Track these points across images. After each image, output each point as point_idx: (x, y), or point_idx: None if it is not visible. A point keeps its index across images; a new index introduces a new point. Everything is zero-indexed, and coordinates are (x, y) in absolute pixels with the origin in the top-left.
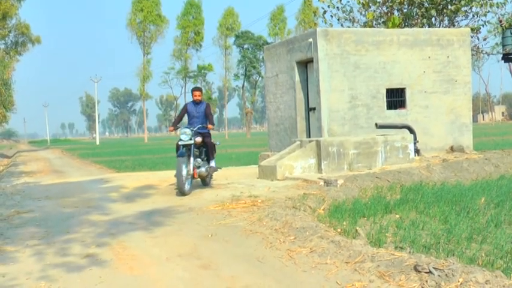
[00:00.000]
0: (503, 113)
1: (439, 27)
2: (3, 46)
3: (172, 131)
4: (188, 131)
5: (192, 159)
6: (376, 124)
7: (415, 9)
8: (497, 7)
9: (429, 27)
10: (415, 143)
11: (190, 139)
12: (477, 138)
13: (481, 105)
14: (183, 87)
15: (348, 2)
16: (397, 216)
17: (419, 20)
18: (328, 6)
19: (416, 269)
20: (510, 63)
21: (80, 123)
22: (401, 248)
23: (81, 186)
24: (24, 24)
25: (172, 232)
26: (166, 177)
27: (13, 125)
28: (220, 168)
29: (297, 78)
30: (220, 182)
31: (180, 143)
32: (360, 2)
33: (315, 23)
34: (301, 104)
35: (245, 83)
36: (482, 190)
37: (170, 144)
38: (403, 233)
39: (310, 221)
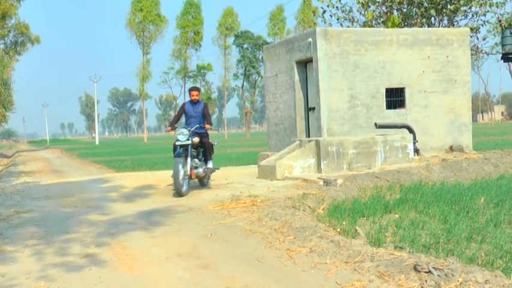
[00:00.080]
0: (502, 112)
1: (439, 27)
2: (2, 46)
3: (170, 131)
4: (185, 131)
5: (189, 159)
6: (375, 124)
7: (414, 9)
8: (497, 7)
9: (428, 27)
10: (414, 143)
11: (188, 139)
12: (476, 138)
13: (480, 105)
14: (183, 87)
15: (348, 1)
16: (397, 216)
17: (418, 20)
18: (328, 6)
19: (415, 268)
20: (509, 63)
21: (80, 123)
22: (401, 247)
23: (81, 186)
24: (23, 24)
25: (171, 232)
26: (165, 177)
27: (12, 124)
28: (218, 169)
29: (297, 78)
30: (220, 182)
31: (177, 143)
32: (359, 1)
33: (315, 23)
34: (300, 103)
35: (244, 83)
36: (481, 190)
37: (169, 144)
38: (403, 232)
39: (309, 221)
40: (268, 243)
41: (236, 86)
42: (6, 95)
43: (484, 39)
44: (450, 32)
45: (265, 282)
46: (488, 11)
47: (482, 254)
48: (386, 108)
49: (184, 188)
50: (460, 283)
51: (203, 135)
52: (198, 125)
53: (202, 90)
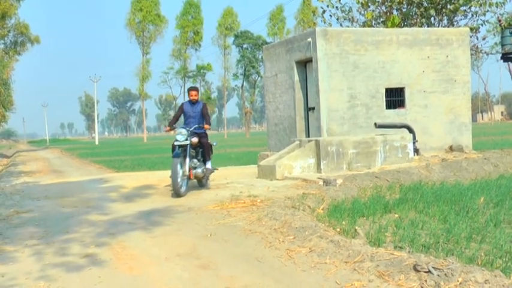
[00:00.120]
0: (502, 112)
1: (438, 26)
2: (2, 46)
3: (168, 131)
4: (184, 131)
5: (188, 160)
6: (375, 124)
7: (414, 9)
8: (497, 6)
9: (428, 26)
10: (414, 143)
11: (186, 139)
12: (476, 138)
13: (480, 104)
14: (182, 87)
15: (347, 1)
16: (396, 215)
17: (418, 20)
18: (328, 6)
19: (415, 268)
20: (509, 63)
21: (79, 123)
22: (401, 247)
23: (81, 186)
24: (23, 24)
25: (171, 232)
26: (165, 177)
27: (12, 124)
28: (217, 169)
29: (296, 77)
30: (220, 182)
31: (175, 143)
32: (359, 1)
33: (314, 23)
34: (300, 103)
35: (244, 83)
36: (481, 190)
37: (169, 144)
38: (403, 232)
39: (309, 221)
40: (268, 243)
41: (236, 86)
42: (6, 95)
43: (483, 39)
44: (450, 31)
45: (265, 282)
46: (487, 11)
47: (482, 254)
48: (386, 108)
49: (183, 188)
50: (460, 283)
51: (202, 135)
52: (196, 125)
53: (202, 90)
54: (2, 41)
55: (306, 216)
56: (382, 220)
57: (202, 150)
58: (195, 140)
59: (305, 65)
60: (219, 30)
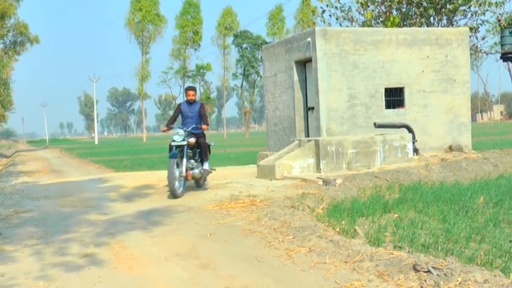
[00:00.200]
0: (501, 112)
1: (438, 26)
2: (1, 46)
3: (165, 131)
4: (181, 131)
5: (185, 160)
6: (374, 123)
7: (413, 9)
8: (496, 6)
9: (427, 26)
10: (413, 143)
11: (183, 140)
12: (476, 138)
13: (479, 104)
14: (182, 87)
15: (347, 1)
16: (396, 215)
17: (417, 20)
18: (327, 6)
19: (415, 268)
20: (509, 63)
21: (79, 123)
22: (400, 247)
23: (80, 186)
24: (22, 24)
25: (171, 231)
26: (164, 176)
27: (12, 124)
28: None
29: (296, 77)
30: (219, 182)
31: (172, 143)
32: (358, 1)
33: (314, 23)
34: (299, 103)
35: (244, 83)
36: (481, 189)
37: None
38: (402, 232)
39: (309, 221)
40: (268, 243)
41: (235, 85)
42: (5, 95)
43: (483, 38)
44: (449, 31)
45: (265, 281)
46: (487, 11)
47: (482, 254)
48: (386, 108)
49: (180, 189)
50: (459, 283)
51: (199, 136)
52: (194, 125)
53: (202, 90)
54: (2, 41)
55: (305, 216)
56: (382, 220)
57: (200, 151)
58: (192, 140)
59: (304, 64)
60: (219, 30)
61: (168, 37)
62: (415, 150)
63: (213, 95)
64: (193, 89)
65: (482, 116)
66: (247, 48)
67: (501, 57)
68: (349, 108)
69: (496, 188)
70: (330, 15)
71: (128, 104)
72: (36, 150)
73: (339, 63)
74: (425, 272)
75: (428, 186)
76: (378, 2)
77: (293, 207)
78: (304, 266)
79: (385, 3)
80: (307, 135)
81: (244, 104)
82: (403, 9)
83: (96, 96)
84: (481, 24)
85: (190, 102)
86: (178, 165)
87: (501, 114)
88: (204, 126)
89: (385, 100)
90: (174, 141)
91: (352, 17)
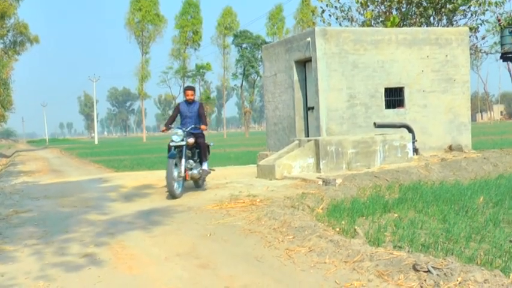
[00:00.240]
0: (501, 112)
1: (438, 26)
2: (1, 46)
3: (164, 131)
4: (180, 131)
5: (183, 161)
6: (374, 123)
7: (413, 8)
8: (496, 6)
9: (427, 26)
10: (413, 142)
11: (182, 140)
12: (476, 138)
13: (479, 104)
14: (182, 87)
15: (346, 1)
16: (396, 215)
17: (417, 19)
18: (327, 6)
19: (415, 268)
20: (509, 62)
21: (79, 123)
22: (400, 247)
23: (80, 186)
24: (22, 24)
25: (171, 231)
26: (164, 176)
27: (11, 124)
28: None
29: (296, 77)
30: (219, 182)
31: (171, 144)
32: (358, 1)
33: (313, 22)
34: (299, 103)
35: (243, 83)
36: (480, 189)
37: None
38: (402, 232)
39: (308, 220)
40: (267, 243)
41: (235, 85)
42: (5, 95)
43: (483, 38)
44: (449, 31)
45: (265, 281)
46: (487, 10)
47: (482, 254)
48: (385, 108)
49: (178, 190)
50: (459, 282)
51: (198, 136)
52: (193, 126)
53: (202, 89)
54: (1, 41)
55: (305, 215)
56: (382, 220)
57: (199, 151)
58: (191, 140)
59: (304, 64)
60: (218, 29)
61: (167, 37)
62: (415, 150)
63: (213, 94)
64: (192, 88)
65: (482, 115)
66: (247, 48)
67: (501, 57)
68: (349, 108)
69: (496, 188)
70: (330, 15)
71: (128, 103)
72: (36, 150)
73: (338, 63)
74: (425, 271)
75: (428, 186)
76: (377, 1)
77: (293, 207)
78: (304, 265)
79: (385, 3)
80: (307, 135)
81: (244, 103)
82: (403, 9)
83: (96, 96)
84: (481, 24)
85: (189, 102)
86: (176, 166)
87: (501, 114)
88: (203, 127)
89: (385, 100)
90: (172, 141)
91: (351, 17)
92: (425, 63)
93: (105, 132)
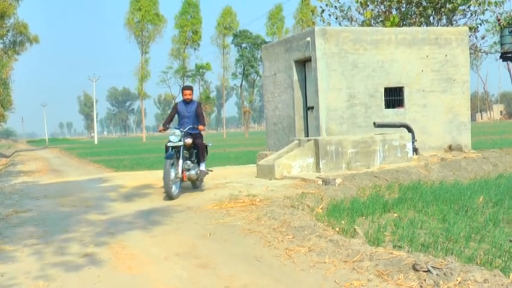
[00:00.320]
0: (501, 111)
1: (437, 26)
2: (1, 45)
3: (162, 131)
4: (177, 132)
5: (181, 161)
6: (374, 123)
7: (413, 8)
8: (495, 6)
9: (427, 26)
10: (413, 142)
11: (180, 140)
12: (475, 137)
13: (479, 104)
14: (181, 87)
15: (346, 1)
16: (396, 215)
17: (417, 19)
18: (326, 5)
19: (414, 268)
20: (508, 62)
21: (78, 123)
22: (400, 247)
23: (80, 186)
24: (22, 24)
25: (170, 231)
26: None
27: (11, 124)
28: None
29: (295, 77)
30: (219, 181)
31: (168, 144)
32: (358, 0)
33: (313, 22)
34: (299, 103)
35: (243, 82)
36: (480, 189)
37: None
38: (402, 232)
39: (308, 220)
40: (267, 243)
41: (235, 85)
42: (5, 95)
43: (482, 38)
44: (449, 31)
45: (264, 281)
46: (486, 10)
47: (481, 253)
48: (385, 108)
49: (175, 190)
50: (459, 282)
51: (196, 136)
52: (191, 126)
53: (201, 89)
54: (1, 41)
55: (305, 215)
56: (381, 219)
57: (197, 152)
58: (188, 141)
59: (304, 64)
60: (218, 29)
61: (167, 37)
62: (415, 150)
63: (213, 94)
64: (190, 88)
65: (481, 115)
66: (246, 48)
67: (501, 57)
68: (349, 107)
69: (495, 188)
70: (330, 15)
71: (128, 103)
72: (35, 150)
73: (338, 63)
74: (424, 271)
75: (427, 185)
76: (377, 1)
77: (292, 207)
78: (303, 265)
79: (385, 2)
80: (307, 134)
81: (243, 103)
82: (403, 9)
83: (95, 96)
84: (481, 24)
85: (187, 102)
86: (174, 166)
87: (501, 114)
88: (200, 127)
89: (385, 100)
90: (170, 141)
91: (351, 17)
92: (425, 63)
93: (105, 132)
